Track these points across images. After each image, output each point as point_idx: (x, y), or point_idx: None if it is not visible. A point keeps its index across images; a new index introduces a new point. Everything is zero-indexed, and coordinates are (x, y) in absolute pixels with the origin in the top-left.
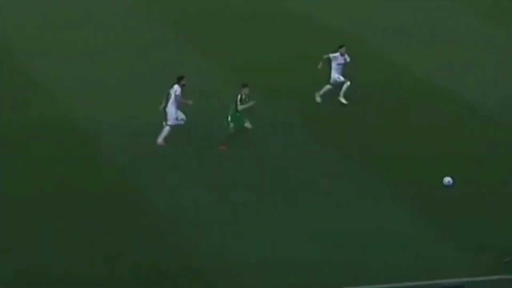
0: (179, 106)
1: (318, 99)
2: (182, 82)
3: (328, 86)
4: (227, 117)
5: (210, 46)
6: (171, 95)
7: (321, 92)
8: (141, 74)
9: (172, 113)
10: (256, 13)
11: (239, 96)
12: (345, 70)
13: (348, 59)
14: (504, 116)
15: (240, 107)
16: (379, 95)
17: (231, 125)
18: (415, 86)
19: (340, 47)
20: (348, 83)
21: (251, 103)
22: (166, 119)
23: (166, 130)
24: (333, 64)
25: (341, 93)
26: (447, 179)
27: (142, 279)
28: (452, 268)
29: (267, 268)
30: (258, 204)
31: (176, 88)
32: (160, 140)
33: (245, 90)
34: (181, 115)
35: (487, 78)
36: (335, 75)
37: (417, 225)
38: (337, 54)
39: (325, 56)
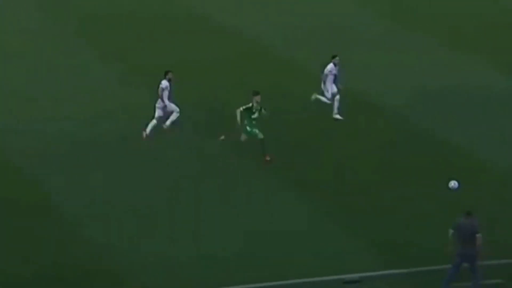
0: (170, 98)
1: (313, 98)
2: (168, 76)
3: (325, 100)
4: (245, 127)
5: (110, 49)
6: (163, 90)
7: (320, 98)
8: (42, 78)
9: (171, 105)
10: (157, 15)
11: (251, 104)
12: (338, 81)
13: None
14: (408, 116)
15: (254, 115)
16: (281, 97)
17: (251, 133)
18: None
19: (334, 57)
20: (338, 96)
21: (265, 113)
22: (171, 112)
23: (174, 115)
24: (329, 77)
25: (335, 109)
26: (453, 183)
27: (48, 282)
28: (352, 264)
29: (180, 267)
30: (171, 207)
31: (164, 84)
32: (147, 130)
33: (257, 98)
34: (173, 106)
35: (389, 79)
36: (330, 87)
37: (318, 224)
38: (331, 65)
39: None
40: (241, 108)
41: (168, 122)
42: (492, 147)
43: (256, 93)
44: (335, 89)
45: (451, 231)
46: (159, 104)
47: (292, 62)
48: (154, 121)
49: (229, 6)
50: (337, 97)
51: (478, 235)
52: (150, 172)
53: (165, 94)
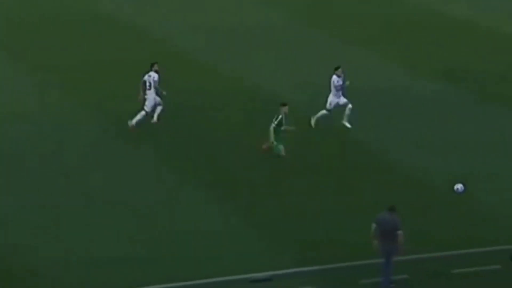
0: (157, 92)
1: (313, 123)
2: (155, 68)
3: (324, 112)
4: (273, 141)
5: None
6: (149, 83)
7: (317, 116)
8: None
9: (151, 99)
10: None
11: (280, 117)
12: (344, 91)
13: (344, 81)
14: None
15: (282, 127)
16: (190, 98)
17: (277, 149)
18: (224, 87)
19: (336, 68)
20: (350, 105)
21: (291, 128)
22: (143, 105)
23: (141, 114)
24: (332, 89)
25: (345, 117)
26: (458, 186)
27: None
28: (265, 263)
29: (87, 268)
30: (78, 209)
31: (153, 75)
32: (133, 122)
33: (285, 109)
34: (158, 99)
35: (297, 77)
36: (335, 100)
37: (231, 225)
38: (334, 77)
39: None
40: (274, 124)
41: (133, 121)
42: (401, 147)
43: (284, 105)
44: (343, 100)
45: (373, 226)
46: (147, 95)
47: (202, 62)
48: (158, 110)
49: (137, 6)
50: (349, 106)
51: (399, 232)
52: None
53: (154, 85)
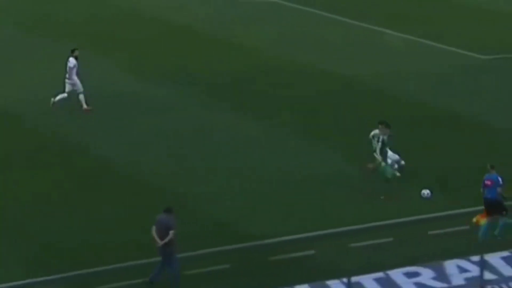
0: (78, 75)
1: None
2: (75, 54)
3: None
4: (380, 167)
5: None
6: (70, 67)
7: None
8: None
9: (77, 81)
10: None
11: (381, 138)
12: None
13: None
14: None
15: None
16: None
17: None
18: None
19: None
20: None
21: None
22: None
23: (82, 97)
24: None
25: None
26: (426, 192)
27: None
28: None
29: None
30: None
31: (71, 60)
32: (85, 106)
33: (387, 131)
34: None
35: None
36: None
37: None
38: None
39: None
40: (379, 145)
41: (84, 106)
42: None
43: (388, 126)
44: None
45: (153, 228)
46: (68, 80)
47: None
48: (65, 95)
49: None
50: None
51: (171, 231)
52: None
53: (74, 71)
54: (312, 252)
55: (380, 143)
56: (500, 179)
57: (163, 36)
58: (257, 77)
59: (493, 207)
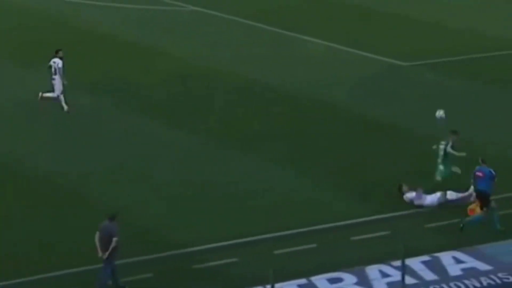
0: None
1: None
2: (60, 55)
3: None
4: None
5: None
6: (54, 68)
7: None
8: None
9: (59, 84)
10: None
11: (450, 144)
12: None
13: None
14: None
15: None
16: None
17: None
18: None
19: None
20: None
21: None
22: (53, 90)
23: (62, 98)
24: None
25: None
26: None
27: None
28: None
29: None
30: None
31: (57, 61)
32: (66, 108)
33: (455, 137)
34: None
35: None
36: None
37: None
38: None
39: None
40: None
41: (65, 108)
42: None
43: (455, 132)
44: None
45: (97, 235)
46: (55, 80)
47: None
48: (54, 94)
49: None
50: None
51: (114, 239)
52: None
53: (61, 71)
54: (235, 259)
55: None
56: (493, 172)
57: (86, 45)
58: (180, 85)
59: (484, 199)
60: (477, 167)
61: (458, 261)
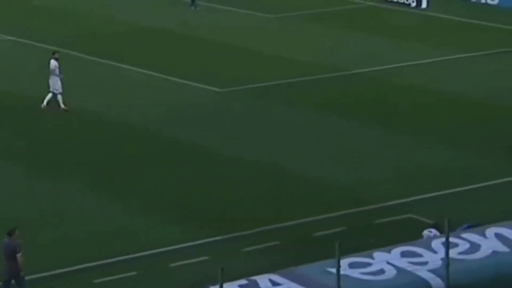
0: (59, 77)
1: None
2: (55, 56)
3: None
4: None
5: None
6: (52, 69)
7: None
8: None
9: (58, 82)
10: None
11: None
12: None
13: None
14: None
15: None
16: None
17: None
18: None
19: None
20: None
21: None
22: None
23: (60, 98)
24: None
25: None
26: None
27: None
28: None
29: None
30: None
31: (52, 62)
32: (62, 106)
33: None
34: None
35: None
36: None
37: None
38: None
39: None
40: None
41: (62, 106)
42: None
43: None
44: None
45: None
46: (52, 80)
47: None
48: (50, 94)
49: None
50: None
51: (18, 255)
52: None
53: (57, 71)
54: None
55: None
56: None
57: None
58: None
59: None
60: None
61: (275, 283)
